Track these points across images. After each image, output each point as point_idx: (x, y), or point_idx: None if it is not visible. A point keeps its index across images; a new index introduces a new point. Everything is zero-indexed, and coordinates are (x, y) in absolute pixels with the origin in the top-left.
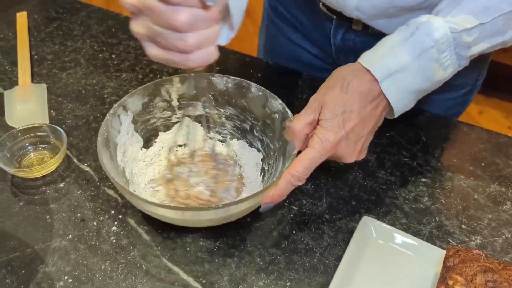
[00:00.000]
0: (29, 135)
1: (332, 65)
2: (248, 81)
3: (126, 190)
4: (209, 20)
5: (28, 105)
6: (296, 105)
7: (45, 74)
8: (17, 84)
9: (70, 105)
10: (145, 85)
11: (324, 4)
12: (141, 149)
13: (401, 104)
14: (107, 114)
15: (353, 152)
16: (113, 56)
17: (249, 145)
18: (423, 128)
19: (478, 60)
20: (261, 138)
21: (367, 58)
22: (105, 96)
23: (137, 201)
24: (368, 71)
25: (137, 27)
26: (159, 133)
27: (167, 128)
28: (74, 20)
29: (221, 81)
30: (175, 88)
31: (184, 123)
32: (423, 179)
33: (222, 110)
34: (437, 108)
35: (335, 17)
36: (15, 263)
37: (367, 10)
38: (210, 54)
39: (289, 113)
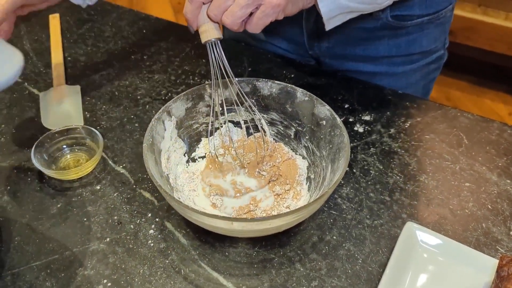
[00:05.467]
0: (65, 137)
1: (304, 56)
2: (293, 86)
3: (174, 198)
4: None
5: (63, 106)
6: None
7: (78, 76)
8: (51, 85)
9: (104, 106)
10: (189, 89)
11: None
12: (184, 155)
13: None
14: (152, 120)
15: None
16: (144, 57)
17: (293, 152)
18: (465, 131)
19: (442, 26)
20: (306, 145)
21: None
22: (138, 97)
23: (184, 210)
24: None
25: None
26: (202, 138)
27: (210, 133)
28: (105, 21)
29: (265, 86)
30: (218, 93)
31: (224, 129)
32: (467, 184)
33: (265, 115)
34: (417, 75)
35: None
36: (54, 266)
37: None
38: None
39: (338, 120)
